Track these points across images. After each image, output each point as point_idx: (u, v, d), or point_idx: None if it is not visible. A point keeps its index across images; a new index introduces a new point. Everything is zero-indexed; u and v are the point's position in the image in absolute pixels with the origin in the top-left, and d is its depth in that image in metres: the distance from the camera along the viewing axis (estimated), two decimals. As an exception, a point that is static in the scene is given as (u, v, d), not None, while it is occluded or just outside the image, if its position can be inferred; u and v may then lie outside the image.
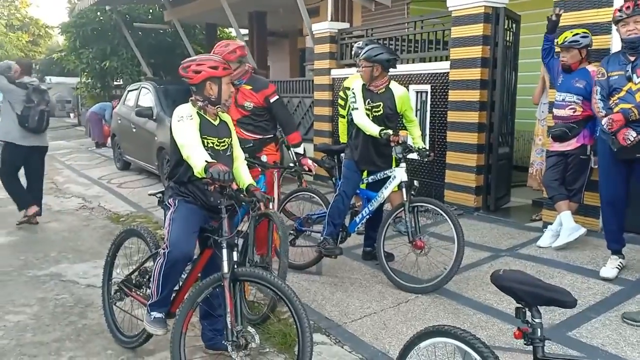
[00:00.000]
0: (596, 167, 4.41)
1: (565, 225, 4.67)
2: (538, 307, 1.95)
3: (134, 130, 9.32)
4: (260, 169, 4.24)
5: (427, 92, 6.69)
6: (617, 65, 3.85)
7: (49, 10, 70.10)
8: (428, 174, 6.70)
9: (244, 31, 14.22)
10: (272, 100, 4.37)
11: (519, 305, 1.97)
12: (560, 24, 5.04)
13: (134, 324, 3.50)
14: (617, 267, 4.05)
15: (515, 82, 6.53)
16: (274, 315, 3.57)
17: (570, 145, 4.62)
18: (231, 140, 3.18)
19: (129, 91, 10.36)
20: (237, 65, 4.21)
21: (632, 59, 3.77)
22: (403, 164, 4.22)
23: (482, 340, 2.05)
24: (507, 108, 6.31)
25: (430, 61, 7.04)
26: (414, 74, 6.86)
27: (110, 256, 3.66)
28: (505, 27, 5.99)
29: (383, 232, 4.27)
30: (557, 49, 4.76)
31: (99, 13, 15.42)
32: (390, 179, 4.29)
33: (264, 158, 4.32)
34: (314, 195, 4.78)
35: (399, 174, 4.22)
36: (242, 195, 2.96)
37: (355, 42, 7.75)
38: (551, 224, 4.93)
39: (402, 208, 4.16)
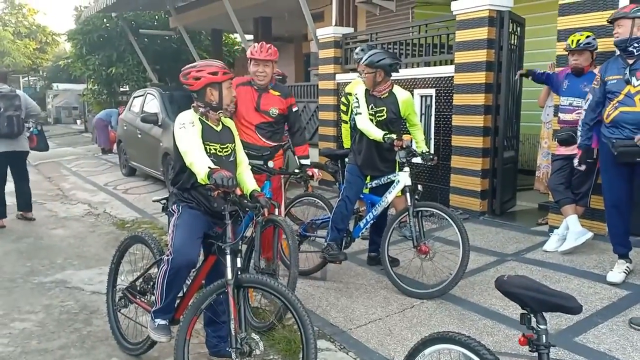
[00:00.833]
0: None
1: (571, 229, 4.64)
2: (543, 313, 1.93)
3: (140, 136, 9.35)
4: (266, 175, 4.24)
5: (432, 96, 6.67)
6: (615, 70, 3.85)
7: (56, 18, 70.85)
8: (433, 178, 6.68)
9: (249, 36, 14.26)
10: (294, 110, 4.37)
11: (524, 311, 1.96)
12: (565, 27, 5.04)
13: (138, 330, 3.49)
14: (624, 272, 4.02)
15: (520, 86, 6.51)
16: (280, 323, 3.56)
17: (577, 149, 4.59)
18: (234, 146, 3.17)
19: (134, 97, 10.40)
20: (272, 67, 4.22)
21: (630, 62, 3.76)
22: (407, 169, 4.20)
23: (487, 346, 2.03)
24: (512, 111, 6.29)
25: (435, 65, 7.03)
26: (419, 78, 6.85)
27: (115, 263, 3.67)
28: (510, 30, 5.97)
29: (387, 237, 4.25)
30: (566, 53, 4.74)
31: (105, 20, 15.54)
32: (394, 184, 4.27)
33: (270, 164, 4.32)
34: (318, 200, 4.77)
35: (403, 178, 4.20)
36: (245, 201, 2.95)
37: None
38: (557, 228, 4.90)
39: (407, 213, 4.14)
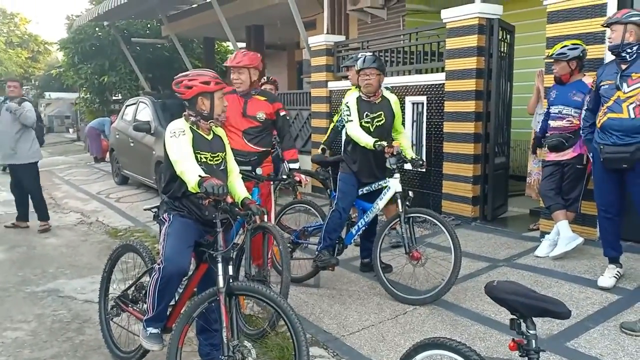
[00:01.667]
0: None
1: (562, 235, 4.66)
2: (532, 318, 1.95)
3: (132, 144, 9.35)
4: (254, 182, 4.25)
5: (423, 104, 6.71)
6: (609, 75, 3.86)
7: (48, 27, 70.71)
8: (426, 184, 6.71)
9: (242, 44, 14.30)
10: (281, 114, 4.39)
11: (514, 317, 1.98)
12: (554, 34, 5.09)
13: (130, 339, 3.49)
14: (614, 276, 4.04)
15: (511, 92, 6.55)
16: (273, 331, 3.56)
17: (567, 154, 4.63)
18: (225, 154, 3.19)
19: (127, 106, 10.40)
20: (258, 75, 4.26)
21: (624, 67, 3.77)
22: (397, 175, 4.22)
23: (478, 352, 2.04)
24: (502, 118, 6.33)
25: (426, 72, 7.08)
26: (410, 85, 6.89)
27: (107, 271, 3.66)
28: (500, 38, 6.03)
29: (379, 244, 4.26)
30: (549, 60, 4.79)
31: (97, 29, 15.55)
32: (385, 190, 4.29)
33: (259, 170, 4.32)
34: (310, 208, 4.79)
35: (394, 184, 4.22)
36: (237, 209, 2.95)
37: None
38: (548, 233, 4.93)
39: (398, 219, 4.16)
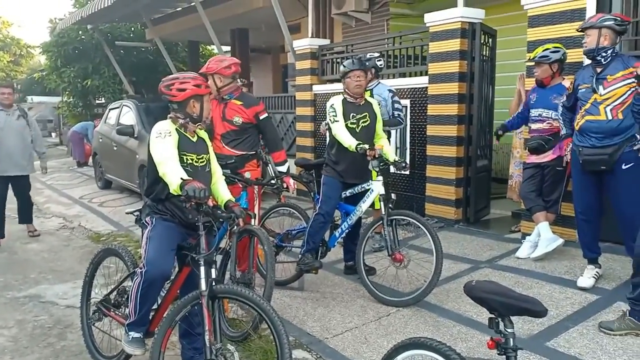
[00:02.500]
0: None
1: (543, 236, 4.72)
2: (510, 317, 1.98)
3: (115, 148, 9.28)
4: (242, 186, 4.25)
5: (406, 107, 6.75)
6: (586, 78, 3.93)
7: (30, 30, 69.91)
8: (409, 187, 6.75)
9: (226, 48, 14.27)
10: (261, 118, 4.41)
11: (492, 316, 2.00)
12: (535, 38, 5.16)
13: (113, 344, 3.46)
14: (593, 277, 4.10)
15: (493, 96, 6.62)
16: (256, 333, 3.56)
17: (547, 157, 4.69)
18: (209, 156, 3.19)
19: (110, 109, 10.33)
20: (230, 80, 4.26)
21: (599, 70, 3.84)
22: (380, 177, 4.25)
23: (459, 352, 2.07)
24: (485, 121, 6.40)
25: (410, 76, 7.13)
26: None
27: (89, 276, 3.64)
28: (482, 42, 6.09)
29: (362, 246, 4.28)
30: (530, 64, 4.86)
31: (80, 32, 15.39)
32: (368, 193, 4.31)
33: (247, 175, 4.33)
34: (294, 211, 4.79)
35: (377, 187, 4.25)
36: (219, 211, 2.95)
37: (336, 58, 7.86)
38: (530, 235, 4.98)
39: (381, 221, 4.18)
